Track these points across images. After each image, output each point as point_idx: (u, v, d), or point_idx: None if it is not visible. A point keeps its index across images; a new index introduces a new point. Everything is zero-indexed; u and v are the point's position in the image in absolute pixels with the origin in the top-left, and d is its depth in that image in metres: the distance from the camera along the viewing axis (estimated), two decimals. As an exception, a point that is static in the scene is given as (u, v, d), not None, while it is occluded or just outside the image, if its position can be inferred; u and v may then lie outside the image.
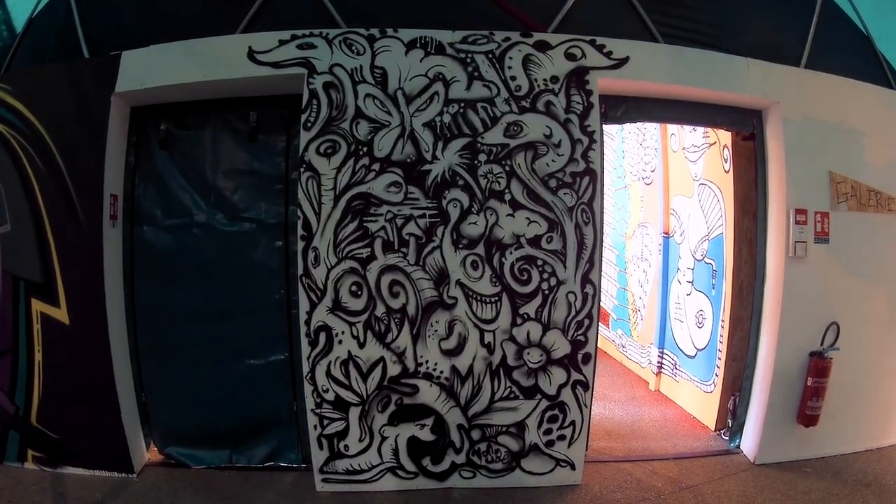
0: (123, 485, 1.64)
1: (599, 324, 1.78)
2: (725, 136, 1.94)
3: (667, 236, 2.37)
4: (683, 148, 2.26)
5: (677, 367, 2.29)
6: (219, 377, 1.63)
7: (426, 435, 1.51)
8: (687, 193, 2.25)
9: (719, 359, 2.00)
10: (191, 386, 1.65)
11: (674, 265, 2.32)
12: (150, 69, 1.54)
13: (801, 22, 1.78)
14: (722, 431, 1.91)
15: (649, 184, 2.54)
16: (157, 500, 1.55)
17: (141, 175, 1.65)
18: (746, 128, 1.74)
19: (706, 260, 2.15)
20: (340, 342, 1.45)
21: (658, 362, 2.40)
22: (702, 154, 2.14)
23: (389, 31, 1.49)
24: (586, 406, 1.53)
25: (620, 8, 1.65)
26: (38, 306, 1.61)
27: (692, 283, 2.20)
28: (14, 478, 1.67)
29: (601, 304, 1.85)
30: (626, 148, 2.78)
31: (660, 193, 2.39)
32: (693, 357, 2.19)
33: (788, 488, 1.57)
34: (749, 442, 1.77)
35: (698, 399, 2.12)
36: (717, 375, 2.01)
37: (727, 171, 1.97)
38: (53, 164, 1.59)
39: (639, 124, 2.29)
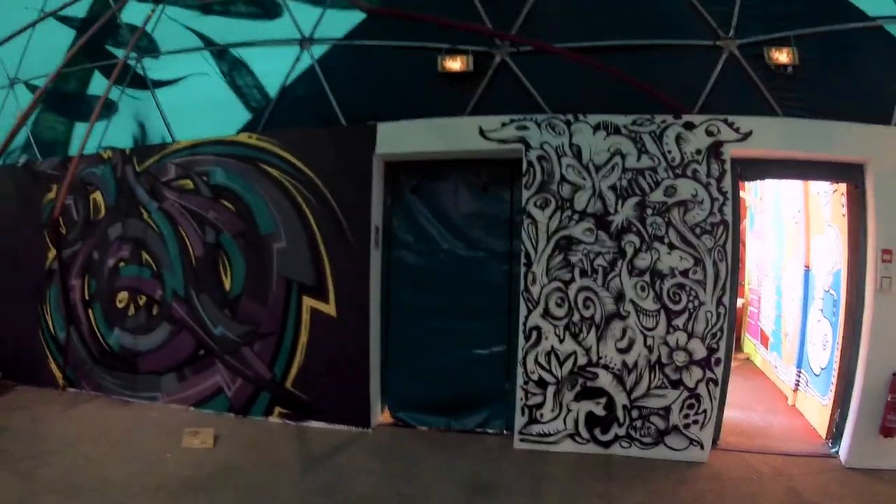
0: (360, 436, 3.95)
1: (760, 345, 4.07)
2: (843, 185, 4.03)
3: (807, 269, 4.60)
4: (818, 193, 4.42)
5: (808, 384, 4.47)
6: (450, 361, 3.93)
7: (599, 411, 3.68)
8: (820, 232, 4.44)
9: (833, 377, 4.05)
10: (426, 366, 3.95)
11: (812, 295, 4.51)
12: (401, 138, 3.84)
13: (893, 82, 3.79)
14: (829, 440, 3.96)
15: (797, 223, 4.81)
16: (389, 447, 3.85)
17: (397, 212, 4.02)
18: (851, 180, 3.84)
19: (830, 291, 4.30)
20: (546, 338, 3.62)
21: (795, 380, 4.61)
22: (828, 199, 4.28)
23: (581, 117, 3.71)
24: (715, 399, 3.66)
25: (747, 88, 3.79)
26: (309, 302, 3.93)
27: (821, 310, 4.38)
28: (261, 427, 4.04)
29: (762, 327, 4.06)
30: (781, 192, 5.11)
31: (802, 232, 4.63)
32: (818, 375, 4.33)
33: (862, 489, 3.47)
34: (843, 448, 3.76)
35: (818, 411, 4.24)
36: (831, 391, 4.08)
37: (843, 215, 4.07)
38: (324, 200, 3.95)
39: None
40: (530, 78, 3.88)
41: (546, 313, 3.72)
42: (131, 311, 4.65)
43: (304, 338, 4.03)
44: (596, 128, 3.74)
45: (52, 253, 5.01)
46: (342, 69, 4.12)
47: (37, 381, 5.10)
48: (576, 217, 3.71)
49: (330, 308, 3.97)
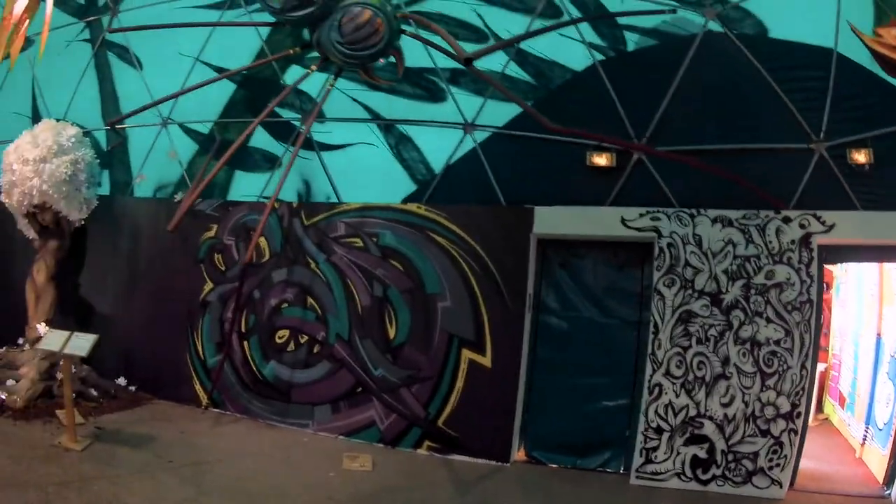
0: (500, 469, 5.86)
1: (838, 406, 6.12)
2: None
3: (879, 337, 6.47)
4: (891, 269, 6.22)
5: (873, 438, 6.33)
6: (581, 410, 5.83)
7: (702, 454, 5.55)
8: (891, 304, 6.29)
9: (892, 431, 5.82)
10: (560, 413, 5.85)
11: (881, 359, 6.34)
12: (555, 221, 5.73)
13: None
14: (885, 485, 5.73)
15: (872, 295, 6.69)
16: (526, 478, 5.76)
17: (545, 282, 5.89)
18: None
19: (894, 355, 6.02)
20: (665, 393, 5.44)
21: (864, 435, 6.51)
22: (900, 274, 6.06)
23: (702, 212, 5.56)
24: (794, 446, 5.55)
25: (831, 184, 5.60)
26: (467, 354, 5.82)
27: (888, 373, 6.22)
28: (410, 457, 5.95)
29: (840, 389, 6.08)
30: (863, 266, 6.96)
31: (876, 303, 6.49)
32: (881, 430, 6.19)
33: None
34: (895, 491, 5.64)
35: (879, 461, 6.13)
36: (889, 443, 5.84)
37: (909, 290, 5.88)
38: (486, 268, 5.83)
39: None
40: (661, 174, 5.71)
41: (667, 373, 5.57)
42: (291, 347, 6.46)
43: (460, 384, 5.88)
44: (713, 221, 5.60)
45: (209, 286, 6.83)
46: (501, 154, 5.97)
47: (176, 398, 6.91)
48: (695, 295, 5.56)
49: (486, 360, 5.84)
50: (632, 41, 5.80)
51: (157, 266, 7.22)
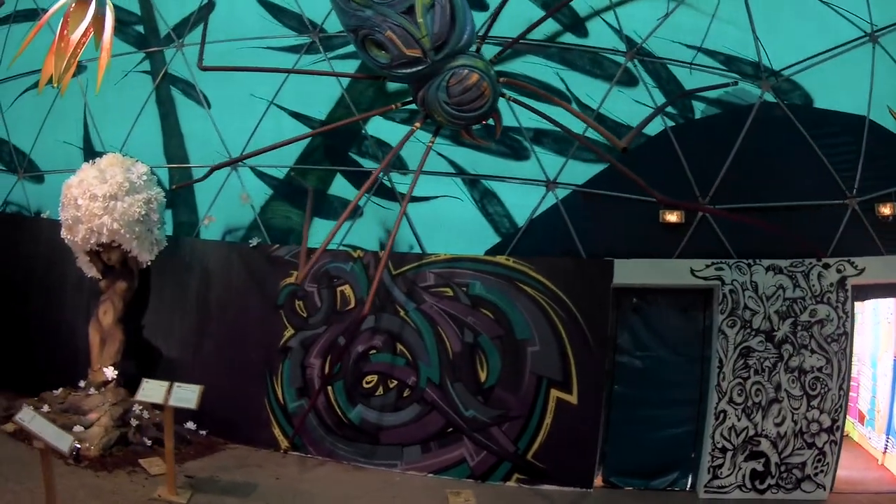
0: (584, 495, 8.58)
1: (858, 423, 9.48)
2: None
3: (895, 359, 9.39)
4: None
5: (894, 446, 9.51)
6: (653, 438, 8.60)
7: (759, 468, 8.42)
8: None
9: None
10: (634, 441, 8.58)
11: None
12: (631, 272, 8.38)
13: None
14: None
15: (889, 322, 9.74)
16: (608, 501, 8.47)
17: (620, 325, 8.55)
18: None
19: None
20: (728, 418, 8.16)
21: (885, 445, 9.67)
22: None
23: (757, 261, 8.35)
24: (834, 455, 8.54)
25: (862, 232, 8.48)
26: (555, 393, 8.39)
27: None
28: (501, 490, 8.56)
29: (859, 408, 9.42)
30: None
31: (892, 329, 9.46)
32: None
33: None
34: None
35: None
36: None
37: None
38: (571, 314, 8.40)
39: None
40: (722, 229, 8.31)
41: (730, 400, 8.25)
42: (380, 391, 8.68)
43: (548, 419, 8.32)
44: (767, 269, 8.35)
45: (289, 332, 8.85)
46: (582, 209, 8.39)
47: (252, 442, 9.03)
48: (753, 333, 8.29)
49: (572, 398, 8.31)
50: (699, 109, 8.37)
51: (231, 311, 9.21)
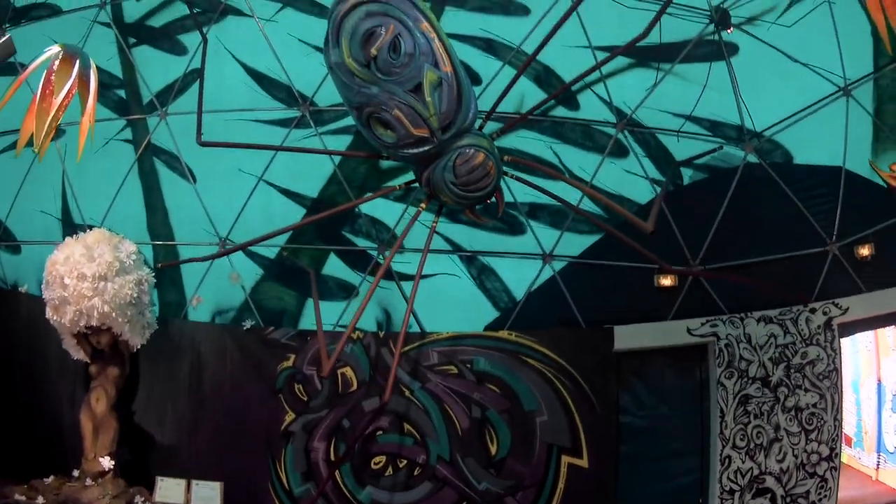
0: None
1: (844, 445, 9.67)
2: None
3: (879, 382, 10.23)
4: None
5: (886, 461, 10.18)
6: (662, 489, 8.84)
7: (767, 503, 8.54)
8: (887, 355, 9.99)
9: None
10: (643, 494, 8.78)
11: (884, 399, 10.16)
12: (632, 337, 8.54)
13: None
14: None
15: (869, 350, 10.32)
16: None
17: (621, 386, 8.68)
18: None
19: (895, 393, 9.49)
20: (734, 462, 8.54)
21: (877, 461, 10.34)
22: (892, 332, 9.53)
23: (749, 314, 8.63)
24: (835, 480, 9.05)
25: (843, 276, 8.83)
26: (566, 459, 8.55)
27: (891, 408, 10.03)
28: None
29: (846, 432, 9.79)
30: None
31: (873, 357, 10.13)
32: (893, 453, 10.05)
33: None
34: None
35: (895, 477, 9.90)
36: None
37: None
38: (576, 382, 8.52)
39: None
40: (713, 287, 8.48)
41: (733, 446, 8.54)
42: (389, 471, 8.60)
43: (561, 485, 8.45)
44: (758, 320, 8.59)
45: (290, 416, 8.68)
46: (578, 279, 8.44)
47: None
48: (749, 381, 8.55)
49: (583, 462, 8.46)
50: (686, 175, 8.49)
51: (226, 395, 8.93)
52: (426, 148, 6.18)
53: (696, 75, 8.29)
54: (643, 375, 8.82)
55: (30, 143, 6.70)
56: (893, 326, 9.43)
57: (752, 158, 8.48)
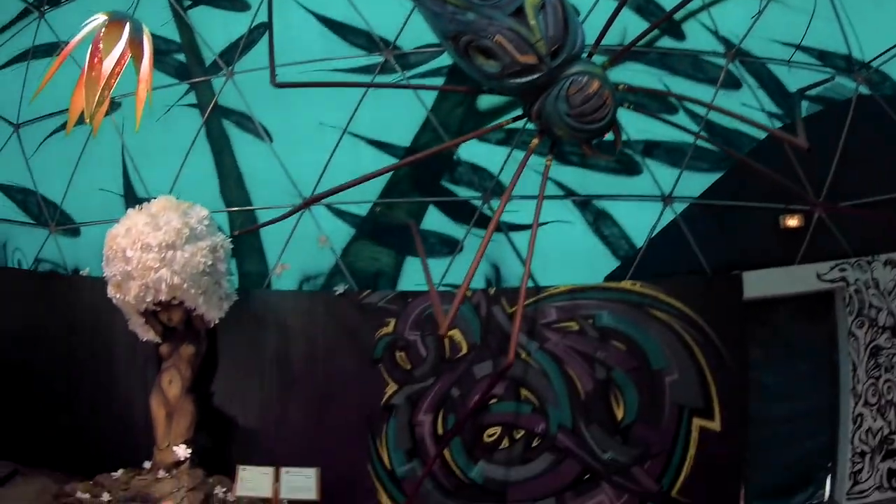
0: None
1: None
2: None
3: None
4: None
5: None
6: (793, 456, 8.08)
7: None
8: None
9: None
10: (776, 461, 8.02)
11: None
12: (760, 284, 7.85)
13: None
14: None
15: None
16: None
17: (750, 340, 7.82)
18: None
19: None
20: (865, 421, 7.84)
21: None
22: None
23: (876, 258, 8.11)
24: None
25: None
26: (698, 422, 7.76)
27: None
28: None
29: None
30: None
31: None
32: None
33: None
34: None
35: None
36: None
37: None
38: (706, 336, 7.77)
39: None
40: (838, 228, 7.89)
41: (865, 403, 7.89)
42: (504, 443, 7.70)
43: (692, 451, 7.62)
44: (884, 263, 8.03)
45: (392, 388, 7.73)
46: (701, 223, 7.77)
47: None
48: (879, 330, 7.98)
49: (715, 424, 7.66)
50: (804, 108, 7.84)
51: (319, 369, 7.92)
52: (534, 76, 5.69)
53: (800, 2, 7.84)
54: (770, 326, 8.13)
55: (80, 120, 5.93)
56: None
57: (864, 90, 8.00)
